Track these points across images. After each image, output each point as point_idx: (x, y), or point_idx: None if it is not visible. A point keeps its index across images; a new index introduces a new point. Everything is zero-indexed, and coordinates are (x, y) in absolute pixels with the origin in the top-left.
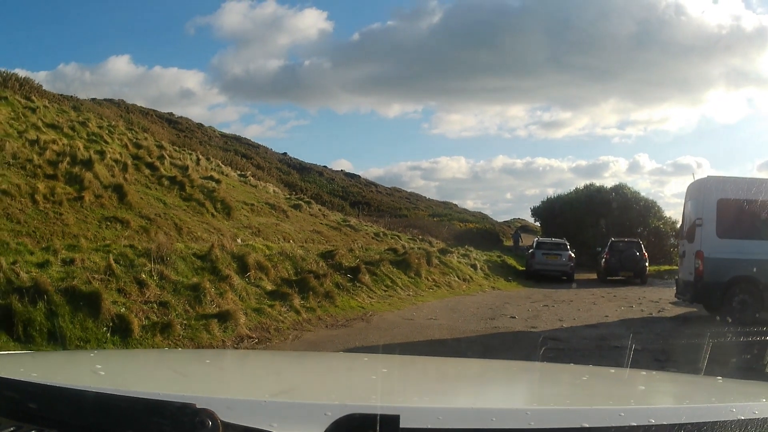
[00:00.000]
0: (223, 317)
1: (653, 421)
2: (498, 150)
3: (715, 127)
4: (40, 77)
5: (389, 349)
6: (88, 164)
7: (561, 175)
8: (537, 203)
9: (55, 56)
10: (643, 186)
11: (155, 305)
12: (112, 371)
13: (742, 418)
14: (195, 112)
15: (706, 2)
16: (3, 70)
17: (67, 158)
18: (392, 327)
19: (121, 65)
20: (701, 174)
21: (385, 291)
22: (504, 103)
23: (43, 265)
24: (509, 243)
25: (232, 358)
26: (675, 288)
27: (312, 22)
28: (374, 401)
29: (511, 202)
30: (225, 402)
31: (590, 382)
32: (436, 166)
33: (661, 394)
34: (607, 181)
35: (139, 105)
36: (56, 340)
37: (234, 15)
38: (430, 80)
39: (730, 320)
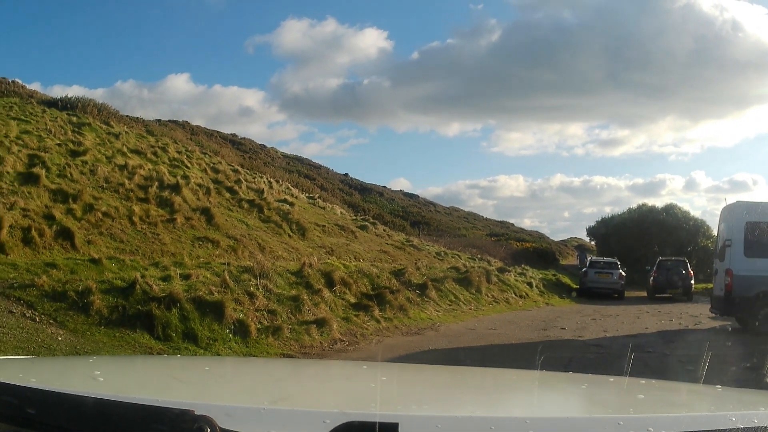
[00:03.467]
0: (320, 323)
1: (652, 430)
2: (556, 168)
3: None
4: (97, 94)
5: (457, 352)
6: (176, 189)
7: (618, 194)
8: (593, 222)
9: (113, 74)
10: (699, 204)
11: (265, 312)
12: (111, 377)
13: (742, 426)
14: (254, 131)
15: (763, 18)
16: (82, 96)
17: (156, 183)
18: (458, 335)
19: (180, 83)
20: (758, 191)
21: (450, 305)
22: (562, 121)
23: (165, 279)
24: (565, 262)
25: (231, 365)
26: (710, 303)
27: (372, 41)
28: (373, 409)
29: (569, 221)
30: (224, 409)
31: (589, 391)
32: (494, 185)
33: (660, 403)
34: (664, 199)
35: (202, 126)
36: (190, 339)
37: (293, 33)
38: (490, 98)
39: (756, 332)
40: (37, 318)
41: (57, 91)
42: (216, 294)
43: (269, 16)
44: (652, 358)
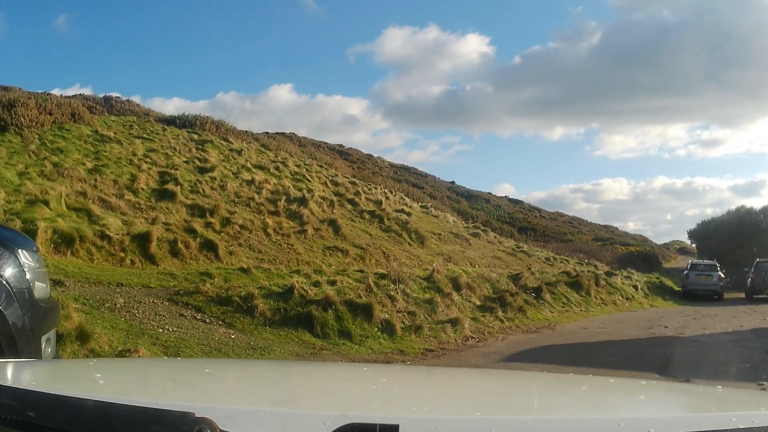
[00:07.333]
0: (453, 323)
1: (652, 431)
2: (658, 170)
3: None
4: (198, 106)
5: (573, 347)
6: (302, 202)
7: (720, 195)
8: (695, 224)
9: (214, 85)
10: None
11: (405, 313)
12: (111, 380)
13: (742, 427)
14: (358, 139)
15: None
16: (199, 114)
17: (283, 197)
18: (572, 333)
19: (282, 94)
20: None
21: (562, 307)
22: (664, 122)
23: (315, 285)
24: (668, 265)
25: (231, 367)
26: None
27: (474, 46)
28: (374, 411)
29: (672, 224)
30: (224, 411)
31: (590, 392)
32: (598, 189)
33: (661, 403)
34: (765, 199)
35: (309, 138)
36: (345, 336)
37: (395, 41)
38: (592, 101)
39: None
40: (207, 320)
41: (157, 104)
42: (363, 297)
43: (370, 24)
44: (744, 351)
